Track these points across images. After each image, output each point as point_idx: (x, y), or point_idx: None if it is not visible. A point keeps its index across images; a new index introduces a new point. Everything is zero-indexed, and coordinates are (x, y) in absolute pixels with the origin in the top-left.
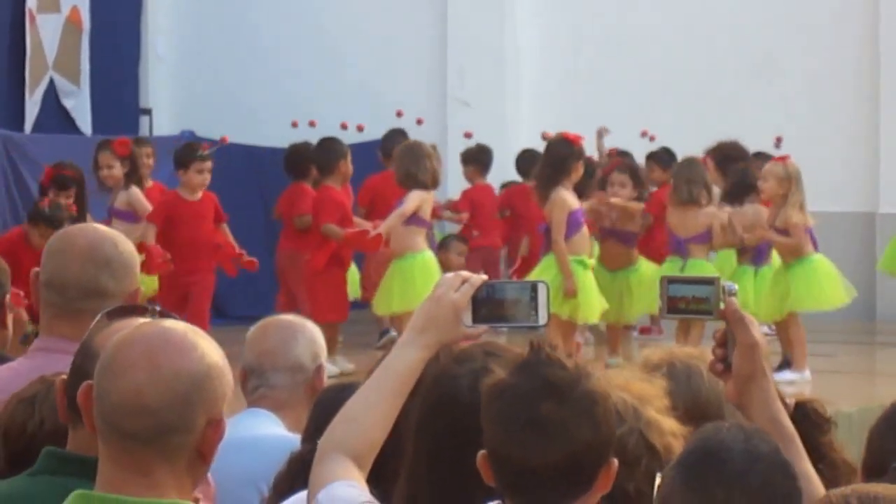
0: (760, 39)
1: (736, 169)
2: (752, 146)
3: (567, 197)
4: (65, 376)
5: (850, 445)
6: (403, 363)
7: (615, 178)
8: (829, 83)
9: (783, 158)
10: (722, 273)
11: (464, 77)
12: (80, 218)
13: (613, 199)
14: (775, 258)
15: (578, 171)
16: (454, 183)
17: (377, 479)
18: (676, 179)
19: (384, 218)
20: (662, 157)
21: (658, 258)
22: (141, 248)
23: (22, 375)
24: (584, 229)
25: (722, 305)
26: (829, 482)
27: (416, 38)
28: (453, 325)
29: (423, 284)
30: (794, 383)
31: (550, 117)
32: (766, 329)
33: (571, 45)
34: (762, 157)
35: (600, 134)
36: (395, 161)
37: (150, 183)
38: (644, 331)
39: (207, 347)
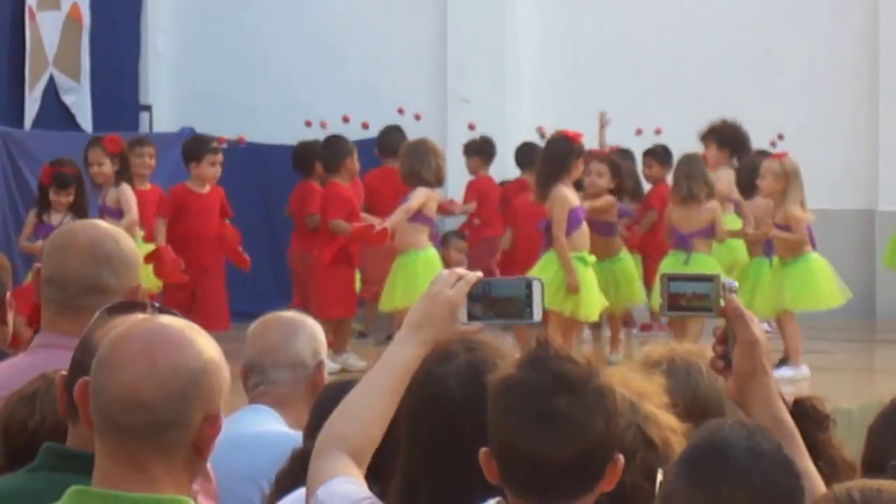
0: (760, 37)
1: (745, 162)
2: (751, 144)
3: (567, 194)
4: (65, 372)
5: (850, 443)
6: (400, 360)
7: (593, 167)
8: (829, 81)
9: (780, 155)
10: (735, 265)
11: (464, 75)
12: (81, 214)
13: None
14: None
15: (578, 168)
16: (454, 180)
17: (375, 475)
18: (677, 175)
19: (381, 214)
20: (659, 154)
21: (658, 255)
22: (155, 254)
23: (23, 372)
24: (585, 226)
25: (722, 302)
26: (829, 479)
27: (417, 35)
28: (449, 321)
29: (426, 281)
30: (793, 380)
31: (550, 115)
32: (766, 326)
33: (571, 43)
34: (763, 154)
35: (602, 121)
36: (400, 158)
37: (147, 186)
38: (645, 328)
39: (204, 343)
